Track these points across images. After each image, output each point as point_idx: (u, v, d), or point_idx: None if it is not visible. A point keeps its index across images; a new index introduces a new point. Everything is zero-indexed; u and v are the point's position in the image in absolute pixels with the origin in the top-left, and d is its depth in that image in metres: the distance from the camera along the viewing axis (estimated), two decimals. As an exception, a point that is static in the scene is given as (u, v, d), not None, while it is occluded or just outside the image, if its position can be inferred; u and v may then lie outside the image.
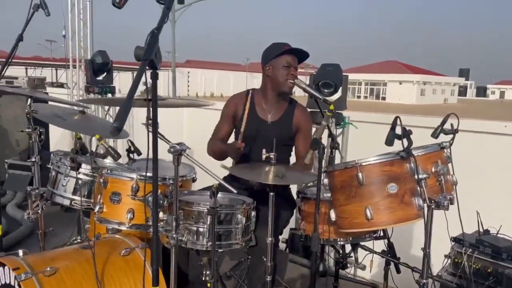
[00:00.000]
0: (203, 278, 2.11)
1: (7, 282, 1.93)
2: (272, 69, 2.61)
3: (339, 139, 4.13)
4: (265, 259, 2.13)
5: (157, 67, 1.36)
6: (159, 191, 1.98)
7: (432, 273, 2.42)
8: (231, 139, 2.82)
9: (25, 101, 5.93)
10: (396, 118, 1.90)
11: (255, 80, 40.05)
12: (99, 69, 6.27)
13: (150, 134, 1.48)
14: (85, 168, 2.27)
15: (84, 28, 7.39)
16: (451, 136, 2.22)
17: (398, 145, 1.99)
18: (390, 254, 2.63)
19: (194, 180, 2.57)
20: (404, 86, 45.96)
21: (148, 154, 1.42)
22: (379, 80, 47.97)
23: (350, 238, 2.30)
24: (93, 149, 2.09)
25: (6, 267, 1.92)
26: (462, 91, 62.45)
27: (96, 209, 2.12)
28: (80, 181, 2.27)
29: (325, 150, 1.93)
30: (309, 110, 2.96)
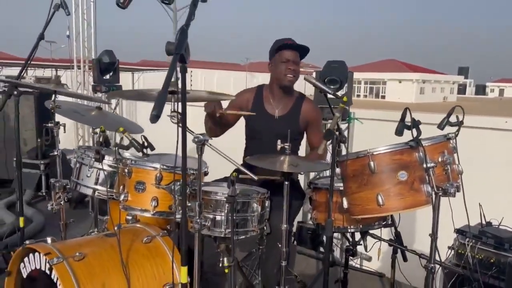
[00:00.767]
0: (220, 265, 2.21)
1: (37, 267, 2.03)
2: (274, 65, 2.71)
3: (344, 134, 4.24)
4: (280, 245, 2.24)
5: (186, 61, 1.46)
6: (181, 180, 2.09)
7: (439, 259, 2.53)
8: (237, 132, 2.92)
9: (32, 101, 6.02)
10: (405, 109, 2.01)
11: (255, 80, 40.13)
12: (106, 68, 6.38)
13: (175, 126, 1.58)
14: (108, 159, 2.38)
15: (88, 29, 7.50)
16: (457, 127, 2.32)
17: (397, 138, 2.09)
18: (397, 242, 2.74)
19: (206, 173, 2.67)
20: (404, 84, 46.05)
21: (177, 144, 1.52)
22: (379, 79, 48.07)
23: (361, 226, 2.41)
24: (115, 141, 2.18)
25: (36, 253, 2.03)
26: (462, 89, 62.52)
27: (121, 197, 2.22)
28: (104, 172, 2.37)
29: (338, 140, 2.03)
30: (319, 106, 3.06)
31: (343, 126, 4.24)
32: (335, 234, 3.77)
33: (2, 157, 5.67)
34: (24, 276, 2.12)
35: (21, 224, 2.75)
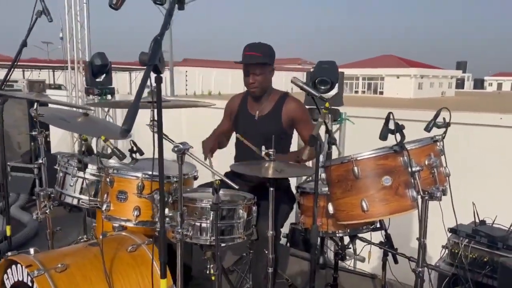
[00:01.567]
0: (207, 272, 2.20)
1: (20, 279, 2.01)
2: None
3: (336, 135, 4.22)
4: (266, 252, 2.22)
5: (161, 72, 1.43)
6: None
7: (429, 263, 2.51)
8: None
9: (25, 105, 5.98)
10: (389, 113, 1.99)
11: (253, 77, 39.94)
12: (98, 70, 6.34)
13: (155, 135, 1.56)
14: (91, 168, 2.35)
15: (82, 30, 7.47)
16: (444, 129, 2.31)
17: (393, 139, 2.08)
18: (387, 245, 2.73)
19: (195, 178, 2.65)
20: (402, 80, 45.98)
21: (154, 154, 1.50)
22: (377, 75, 47.98)
23: (348, 230, 2.39)
24: (97, 150, 2.16)
25: (18, 265, 2.00)
26: (460, 83, 62.46)
27: (104, 207, 2.20)
28: (87, 181, 2.35)
29: (323, 146, 2.00)
30: (307, 107, 3.04)
31: (335, 127, 4.22)
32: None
33: (-8, 162, 5.65)
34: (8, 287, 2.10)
35: (8, 233, 2.74)
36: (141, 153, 2.31)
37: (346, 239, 2.66)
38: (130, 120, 1.23)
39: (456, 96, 49.60)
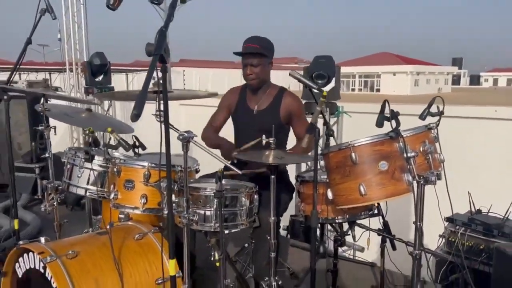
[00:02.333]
0: (212, 259, 2.28)
1: (32, 266, 2.09)
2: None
3: (334, 128, 4.31)
4: (268, 237, 2.30)
5: (166, 61, 1.51)
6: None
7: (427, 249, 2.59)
8: (226, 129, 3.00)
9: (25, 105, 6.04)
10: (384, 101, 2.07)
11: (249, 77, 40.02)
12: (97, 70, 6.41)
13: (161, 126, 1.63)
14: (98, 159, 2.43)
15: (79, 31, 7.53)
16: (437, 117, 2.39)
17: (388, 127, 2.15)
18: (385, 231, 2.81)
19: (197, 171, 2.73)
20: (398, 77, 46.05)
21: (161, 143, 1.57)
22: (373, 72, 48.03)
23: (347, 216, 2.47)
24: (104, 141, 2.23)
25: (30, 253, 2.08)
26: (456, 80, 62.60)
27: (112, 196, 2.28)
28: (94, 172, 2.42)
29: (321, 133, 2.09)
30: (304, 101, 3.13)
31: (332, 120, 4.31)
32: (328, 226, 3.83)
33: (-4, 162, 5.72)
34: (20, 275, 2.18)
35: (16, 227, 2.81)
36: (144, 148, 2.39)
37: (345, 227, 2.74)
38: (139, 105, 1.32)
39: (453, 92, 49.71)
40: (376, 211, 2.61)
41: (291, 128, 2.94)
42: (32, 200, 5.60)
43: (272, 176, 2.23)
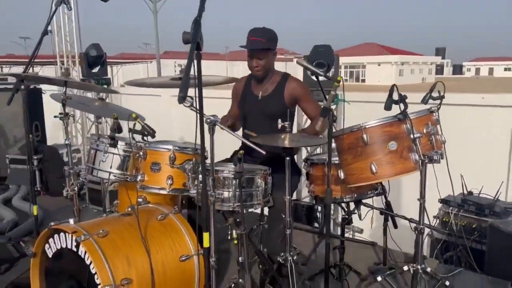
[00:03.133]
0: (229, 238, 2.41)
1: (63, 246, 2.20)
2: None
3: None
4: (284, 216, 2.45)
5: (201, 49, 1.64)
6: (193, 159, 2.28)
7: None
8: None
9: (20, 97, 6.07)
10: (393, 86, 2.22)
11: (235, 68, 40.08)
12: (93, 62, 6.44)
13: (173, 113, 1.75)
14: (121, 144, 2.54)
15: (69, 23, 7.49)
16: (439, 101, 2.55)
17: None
18: (388, 210, 2.99)
19: (206, 158, 2.85)
20: (383, 67, 46.59)
21: (196, 129, 1.69)
22: (358, 63, 48.52)
23: (355, 195, 2.63)
24: (129, 126, 2.34)
25: (61, 233, 2.20)
26: (439, 69, 63.49)
27: (139, 178, 2.40)
28: (121, 157, 2.53)
29: (337, 118, 2.23)
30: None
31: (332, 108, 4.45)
32: (332, 207, 3.99)
33: (-8, 154, 5.75)
34: (50, 255, 2.29)
35: (35, 212, 2.90)
36: (153, 136, 2.48)
37: (352, 206, 2.90)
38: (184, 88, 1.44)
39: (437, 81, 50.35)
40: (381, 191, 2.78)
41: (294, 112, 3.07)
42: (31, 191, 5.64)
43: (287, 158, 2.37)
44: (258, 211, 2.93)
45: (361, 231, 4.36)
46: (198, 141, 1.78)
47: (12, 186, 5.61)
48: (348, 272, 2.96)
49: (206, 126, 2.00)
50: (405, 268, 2.53)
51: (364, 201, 2.81)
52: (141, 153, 2.38)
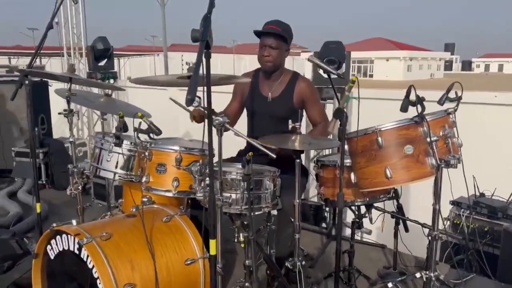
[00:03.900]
0: (235, 241, 2.34)
1: (65, 248, 2.14)
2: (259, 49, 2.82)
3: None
4: (293, 220, 2.37)
5: (210, 47, 1.55)
6: (200, 160, 2.20)
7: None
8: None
9: (27, 91, 6.04)
10: (410, 86, 2.12)
11: (242, 62, 39.88)
12: (100, 55, 6.39)
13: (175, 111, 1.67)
14: (126, 144, 2.47)
15: (77, 15, 7.43)
16: (456, 102, 2.45)
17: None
18: (399, 214, 2.90)
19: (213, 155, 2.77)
20: (391, 62, 46.20)
21: (204, 129, 1.62)
22: (366, 58, 48.13)
23: (367, 199, 2.54)
24: (134, 125, 2.27)
25: (63, 235, 2.13)
26: (448, 65, 62.87)
27: (143, 179, 2.32)
28: (124, 156, 2.46)
29: (348, 118, 2.14)
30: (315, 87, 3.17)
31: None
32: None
33: (-2, 147, 5.72)
34: (52, 257, 2.22)
35: (38, 210, 2.84)
36: (158, 133, 2.41)
37: (363, 210, 2.81)
38: (193, 90, 1.36)
39: (445, 77, 49.97)
40: (393, 195, 2.69)
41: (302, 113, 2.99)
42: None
43: (298, 160, 2.28)
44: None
45: (369, 232, 4.27)
46: (206, 141, 1.70)
47: (17, 179, 5.58)
48: (357, 277, 2.88)
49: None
50: (418, 275, 2.45)
51: (375, 204, 2.73)
52: (146, 153, 2.30)
